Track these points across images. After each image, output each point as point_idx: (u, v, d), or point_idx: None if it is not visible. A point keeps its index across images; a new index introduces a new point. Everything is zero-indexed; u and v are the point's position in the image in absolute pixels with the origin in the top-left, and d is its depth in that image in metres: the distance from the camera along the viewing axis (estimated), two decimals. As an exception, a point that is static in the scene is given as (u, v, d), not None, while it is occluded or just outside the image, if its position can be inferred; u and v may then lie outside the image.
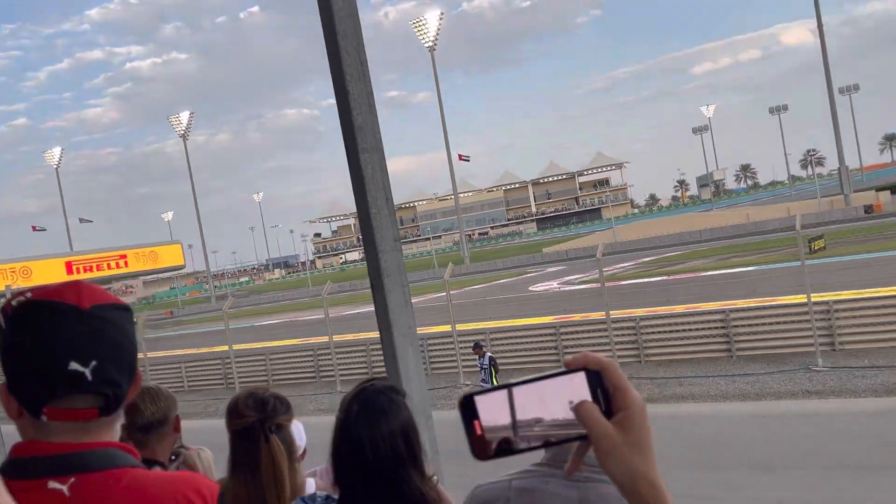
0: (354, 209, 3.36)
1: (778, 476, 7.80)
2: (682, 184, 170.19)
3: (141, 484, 1.03)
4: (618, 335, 15.18)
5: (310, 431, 2.54)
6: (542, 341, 16.86)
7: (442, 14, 77.30)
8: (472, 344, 13.63)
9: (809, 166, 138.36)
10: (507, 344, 17.17)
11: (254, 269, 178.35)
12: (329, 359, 18.48)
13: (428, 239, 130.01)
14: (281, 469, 2.00)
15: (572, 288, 34.33)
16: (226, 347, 20.16)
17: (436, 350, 18.01)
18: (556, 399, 0.72)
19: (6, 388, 1.02)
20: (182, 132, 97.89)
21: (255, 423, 2.02)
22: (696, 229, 58.51)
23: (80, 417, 1.02)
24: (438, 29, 75.48)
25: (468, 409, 0.73)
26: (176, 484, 1.06)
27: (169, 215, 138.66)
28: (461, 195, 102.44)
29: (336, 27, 3.23)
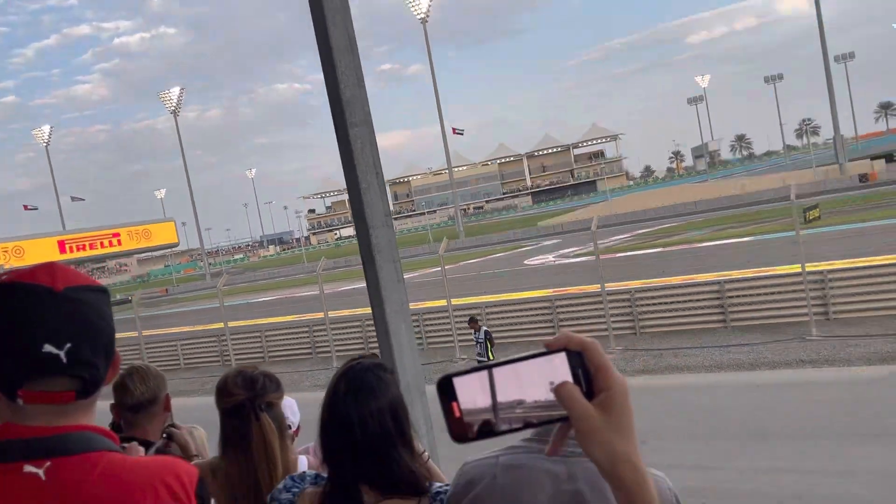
0: (346, 185, 3.32)
1: (771, 445, 7.87)
2: (677, 155, 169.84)
3: (118, 469, 1.01)
4: (613, 307, 15.22)
5: (306, 407, 2.53)
6: (537, 315, 16.91)
7: (434, -15, 76.30)
8: (467, 318, 13.65)
9: (805, 136, 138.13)
10: (503, 318, 17.22)
11: (248, 245, 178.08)
12: (325, 335, 18.53)
13: (423, 214, 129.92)
14: (272, 447, 1.98)
15: (567, 261, 34.37)
16: (221, 325, 20.18)
17: (431, 325, 18.05)
18: (536, 380, 0.70)
19: None
20: (173, 108, 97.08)
21: (245, 401, 2.00)
22: (691, 200, 58.48)
23: (57, 400, 1.00)
24: (430, 0, 74.54)
25: (446, 391, 0.71)
26: (154, 469, 1.04)
27: (161, 192, 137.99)
28: (456, 169, 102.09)
29: (323, 0, 3.16)
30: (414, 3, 74.55)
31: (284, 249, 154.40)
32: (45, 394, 1.00)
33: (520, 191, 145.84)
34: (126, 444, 1.34)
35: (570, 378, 0.70)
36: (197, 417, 2.84)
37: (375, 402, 1.52)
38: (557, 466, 1.26)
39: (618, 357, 13.73)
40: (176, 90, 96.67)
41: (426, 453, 1.63)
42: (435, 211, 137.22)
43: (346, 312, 21.77)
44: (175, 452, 2.42)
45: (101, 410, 2.03)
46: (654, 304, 15.52)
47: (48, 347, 0.98)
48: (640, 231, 44.32)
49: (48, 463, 0.98)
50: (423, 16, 74.22)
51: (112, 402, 2.33)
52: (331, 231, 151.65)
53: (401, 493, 1.49)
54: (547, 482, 1.26)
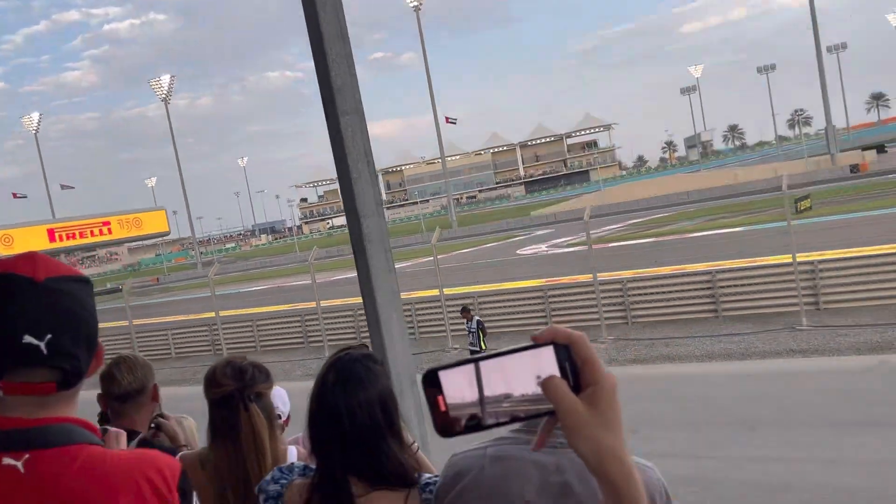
0: (337, 174, 3.30)
1: (760, 434, 7.92)
2: (669, 145, 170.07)
3: (98, 463, 0.99)
4: (605, 297, 15.25)
5: (297, 397, 2.52)
6: (530, 304, 16.94)
7: (427, -27, 75.87)
8: (460, 308, 13.66)
9: (797, 126, 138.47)
10: (496, 307, 17.25)
11: (240, 234, 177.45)
12: (317, 324, 18.51)
13: (416, 203, 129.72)
14: (261, 437, 1.97)
15: (560, 251, 34.43)
16: (212, 314, 20.14)
17: (424, 315, 18.06)
18: (523, 374, 0.69)
19: None
20: (163, 96, 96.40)
21: (234, 391, 1.99)
22: (683, 190, 58.61)
23: (37, 391, 0.99)
24: (424, -12, 74.12)
25: (432, 385, 0.70)
26: (135, 463, 1.02)
27: (152, 181, 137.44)
28: (449, 158, 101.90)
29: (313, -15, 3.13)
30: (407, -9, 74.10)
31: (276, 238, 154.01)
32: (26, 385, 0.98)
33: (513, 180, 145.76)
34: (107, 428, 1.32)
35: (557, 372, 0.69)
36: (188, 407, 2.83)
37: (364, 393, 1.51)
38: (545, 458, 1.25)
39: (610, 346, 13.78)
40: (166, 77, 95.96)
41: (416, 444, 1.63)
42: (428, 200, 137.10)
43: (338, 302, 21.77)
44: (164, 442, 2.40)
45: (88, 401, 2.01)
46: (646, 294, 15.57)
47: (28, 338, 0.97)
48: (633, 221, 44.40)
49: (27, 455, 0.97)
50: (416, 4, 73.83)
51: (99, 391, 2.31)
52: (323, 220, 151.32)
53: (390, 484, 1.48)
54: (535, 474, 1.26)
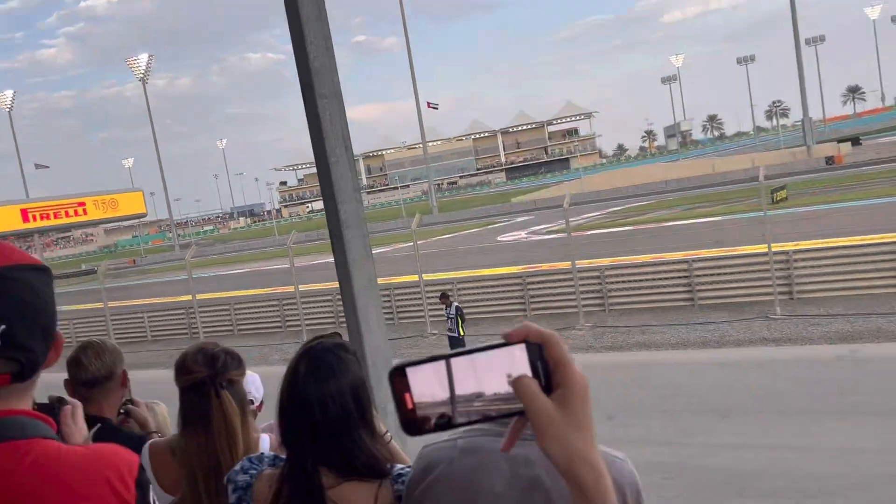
0: (316, 157, 3.25)
1: (733, 422, 8.02)
2: (649, 134, 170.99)
3: (52, 459, 0.95)
4: (583, 285, 15.33)
5: (275, 381, 2.48)
6: (508, 291, 16.99)
7: (410, -44, 75.11)
8: (439, 294, 13.66)
9: (774, 117, 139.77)
10: (474, 294, 17.27)
11: (218, 217, 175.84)
12: (295, 309, 18.42)
13: (396, 188, 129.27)
14: (233, 425, 1.94)
15: (540, 238, 34.52)
16: (189, 297, 19.95)
17: (403, 300, 18.04)
18: (495, 372, 0.67)
19: None
20: (141, 76, 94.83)
21: (205, 378, 1.95)
22: (662, 179, 58.98)
23: None
24: (406, -29, 73.43)
25: (399, 381, 0.67)
26: (90, 460, 0.97)
27: (129, 162, 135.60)
28: (430, 144, 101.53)
29: (290, -36, 3.06)
30: (389, -26, 73.34)
31: (255, 222, 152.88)
32: None
33: (494, 167, 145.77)
34: (63, 398, 1.27)
35: (528, 371, 0.67)
36: (163, 390, 2.77)
37: (336, 383, 1.48)
38: (516, 450, 1.24)
39: (587, 333, 13.88)
40: (144, 56, 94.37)
41: (389, 434, 1.60)
42: (408, 185, 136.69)
43: (316, 286, 21.64)
44: (133, 429, 2.36)
45: (56, 386, 1.96)
46: (623, 282, 15.68)
47: None
48: (612, 209, 44.62)
49: None
50: (398, -13, 73.07)
51: (66, 377, 2.26)
52: (303, 204, 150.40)
53: (361, 475, 1.46)
54: (505, 466, 1.24)
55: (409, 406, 0.67)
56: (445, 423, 0.67)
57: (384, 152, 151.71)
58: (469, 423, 0.67)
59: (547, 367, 0.67)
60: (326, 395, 1.47)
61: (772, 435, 7.46)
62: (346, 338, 1.83)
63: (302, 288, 18.46)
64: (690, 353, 11.65)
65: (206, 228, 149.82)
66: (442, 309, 13.09)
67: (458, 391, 0.66)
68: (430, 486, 1.30)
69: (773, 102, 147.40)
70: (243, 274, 39.48)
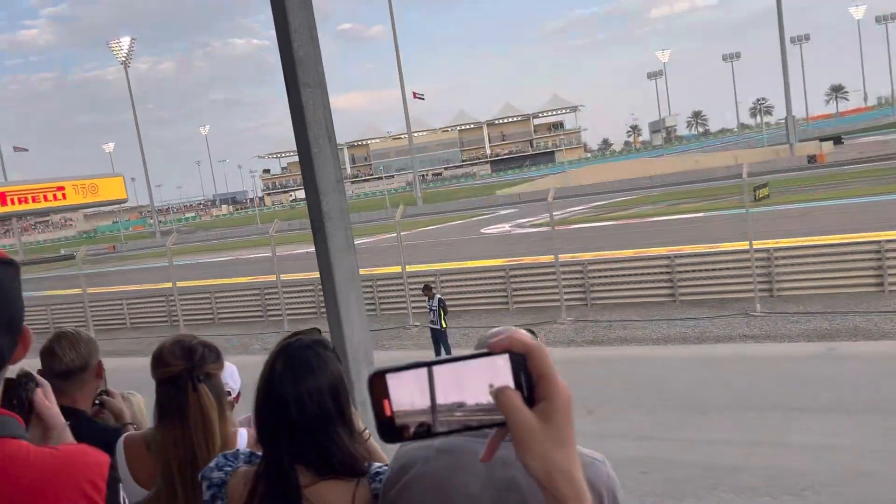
0: (299, 147, 3.22)
1: (711, 417, 8.10)
2: (634, 129, 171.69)
3: (20, 460, 0.91)
4: (566, 278, 15.37)
5: (255, 371, 2.45)
6: (491, 284, 17.01)
7: (398, -55, 74.60)
8: (422, 285, 13.64)
9: (758, 115, 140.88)
10: (457, 286, 17.28)
11: (200, 204, 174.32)
12: (277, 298, 18.33)
13: (380, 178, 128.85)
14: (210, 419, 1.91)
15: (523, 231, 34.59)
16: (170, 284, 19.77)
17: (385, 291, 18.00)
18: (477, 382, 0.65)
19: None
20: (123, 59, 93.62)
21: (183, 371, 1.92)
22: (646, 175, 59.29)
23: None
24: (395, -40, 72.91)
25: (378, 387, 0.65)
26: (59, 462, 0.92)
27: (110, 146, 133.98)
28: (415, 134, 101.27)
29: (275, -50, 3.01)
30: (377, -38, 72.85)
31: (237, 209, 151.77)
32: None
33: (479, 159, 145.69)
34: (35, 379, 1.23)
35: (511, 382, 0.65)
36: (142, 378, 2.73)
37: (314, 381, 1.46)
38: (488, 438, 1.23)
39: (568, 327, 13.93)
40: (126, 40, 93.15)
41: (367, 431, 1.58)
42: (393, 176, 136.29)
43: (298, 276, 21.54)
44: (108, 420, 2.32)
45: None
46: (605, 277, 15.75)
47: None
48: (596, 203, 44.79)
49: None
50: (386, -25, 72.55)
51: (39, 368, 2.22)
52: (286, 192, 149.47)
53: (338, 474, 1.44)
54: (481, 467, 1.24)
55: (388, 413, 0.65)
56: (424, 431, 0.65)
57: (369, 142, 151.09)
58: (449, 432, 0.65)
59: (530, 379, 0.65)
60: (304, 392, 1.44)
61: (749, 431, 7.54)
62: (326, 331, 1.80)
63: (284, 277, 18.36)
64: (671, 349, 11.74)
65: (187, 215, 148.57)
66: (424, 301, 13.08)
67: (440, 400, 0.65)
68: (406, 485, 1.29)
69: (758, 100, 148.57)
70: (225, 262, 39.21)
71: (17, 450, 0.92)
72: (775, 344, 11.15)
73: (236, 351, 15.27)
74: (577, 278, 15.79)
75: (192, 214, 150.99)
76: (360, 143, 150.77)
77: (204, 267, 36.77)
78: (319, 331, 1.65)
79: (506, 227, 38.28)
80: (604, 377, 10.18)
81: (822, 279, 13.63)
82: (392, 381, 0.65)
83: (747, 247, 13.54)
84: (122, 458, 1.94)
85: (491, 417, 0.65)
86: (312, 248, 3.22)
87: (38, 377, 1.34)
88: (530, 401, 0.65)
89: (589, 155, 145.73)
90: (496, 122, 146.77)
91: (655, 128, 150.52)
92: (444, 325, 12.31)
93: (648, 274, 15.39)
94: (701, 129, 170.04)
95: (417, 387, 0.65)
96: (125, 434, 2.08)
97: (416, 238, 35.86)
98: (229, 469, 1.50)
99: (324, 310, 3.24)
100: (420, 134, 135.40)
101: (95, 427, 2.13)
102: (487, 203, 61.40)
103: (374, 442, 1.63)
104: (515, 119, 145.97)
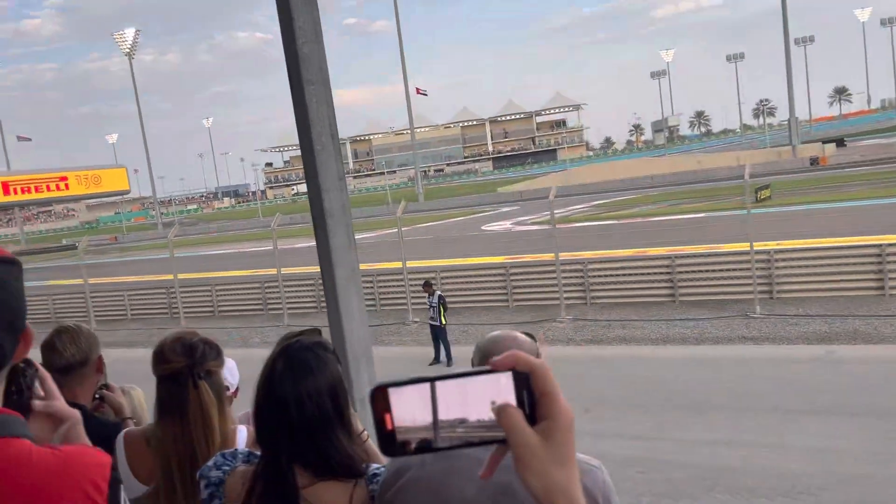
0: (303, 142, 3.22)
1: (709, 418, 8.11)
2: (637, 128, 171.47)
3: (24, 461, 0.90)
4: (566, 277, 15.37)
5: (255, 365, 2.46)
6: (491, 281, 17.01)
7: (404, -61, 74.43)
8: (422, 282, 13.64)
9: (761, 116, 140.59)
10: (457, 283, 17.28)
11: (202, 196, 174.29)
12: (277, 292, 18.34)
13: (382, 173, 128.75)
14: (210, 416, 1.92)
15: (524, 228, 34.57)
16: (171, 276, 19.78)
17: (385, 287, 18.01)
18: (479, 399, 0.65)
19: None
20: (127, 50, 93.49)
21: (183, 368, 1.93)
22: (648, 174, 59.22)
23: None
24: (400, -45, 72.74)
25: (380, 401, 0.65)
26: (63, 464, 0.91)
27: (113, 137, 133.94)
28: (418, 130, 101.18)
29: (281, -53, 3.01)
30: (383, -43, 72.71)
31: (240, 202, 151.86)
32: None
33: (481, 155, 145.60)
34: (36, 367, 1.21)
35: (513, 400, 0.66)
36: (143, 370, 2.74)
37: (314, 382, 1.46)
38: (487, 454, 1.24)
39: (567, 326, 13.94)
40: (131, 31, 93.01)
41: (366, 432, 1.59)
42: (395, 171, 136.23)
43: (299, 270, 21.54)
44: (108, 415, 2.33)
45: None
46: (605, 276, 15.74)
47: None
48: (597, 202, 44.75)
49: None
50: (391, -30, 72.45)
51: (40, 362, 2.22)
52: (288, 186, 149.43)
53: (336, 475, 1.44)
54: (476, 471, 1.24)
55: (389, 427, 0.65)
56: (426, 446, 0.65)
57: (371, 137, 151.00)
58: (450, 448, 0.66)
59: (533, 398, 0.66)
60: (303, 394, 1.45)
61: (747, 432, 7.55)
62: (325, 327, 1.81)
63: (285, 271, 18.37)
64: (670, 349, 11.74)
65: (189, 207, 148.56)
66: (425, 297, 13.09)
67: (442, 416, 0.65)
68: (402, 489, 1.29)
69: (761, 101, 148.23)
70: (226, 255, 39.21)
71: (20, 450, 0.92)
72: (774, 346, 11.15)
73: (236, 344, 15.28)
74: (577, 277, 15.78)
75: (195, 207, 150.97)
76: (362, 137, 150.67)
77: (205, 259, 36.81)
78: (319, 331, 1.65)
79: (507, 224, 38.26)
80: (602, 376, 10.19)
81: (823, 282, 13.62)
82: (394, 395, 0.65)
83: (748, 248, 13.53)
84: (122, 453, 1.95)
85: (492, 434, 0.66)
86: (313, 243, 3.22)
87: (40, 368, 1.34)
88: (532, 419, 0.66)
89: (591, 153, 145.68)
90: (499, 119, 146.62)
91: (658, 127, 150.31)
92: (443, 322, 12.32)
93: (648, 274, 15.38)
94: (703, 130, 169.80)
95: (420, 402, 0.65)
96: (125, 430, 2.09)
97: (417, 234, 35.86)
98: (227, 468, 1.51)
99: (324, 304, 3.24)
100: (423, 130, 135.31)
101: (95, 422, 2.14)
102: (489, 200, 61.36)
103: (372, 443, 1.63)
104: (518, 116, 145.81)
